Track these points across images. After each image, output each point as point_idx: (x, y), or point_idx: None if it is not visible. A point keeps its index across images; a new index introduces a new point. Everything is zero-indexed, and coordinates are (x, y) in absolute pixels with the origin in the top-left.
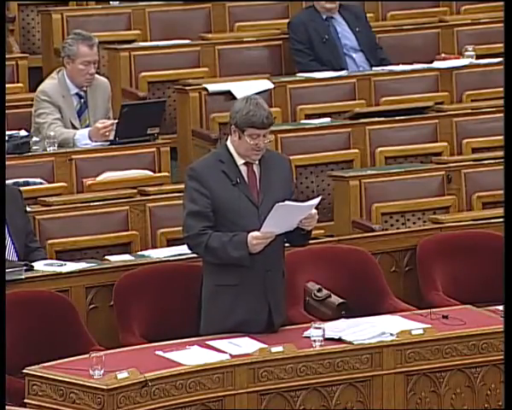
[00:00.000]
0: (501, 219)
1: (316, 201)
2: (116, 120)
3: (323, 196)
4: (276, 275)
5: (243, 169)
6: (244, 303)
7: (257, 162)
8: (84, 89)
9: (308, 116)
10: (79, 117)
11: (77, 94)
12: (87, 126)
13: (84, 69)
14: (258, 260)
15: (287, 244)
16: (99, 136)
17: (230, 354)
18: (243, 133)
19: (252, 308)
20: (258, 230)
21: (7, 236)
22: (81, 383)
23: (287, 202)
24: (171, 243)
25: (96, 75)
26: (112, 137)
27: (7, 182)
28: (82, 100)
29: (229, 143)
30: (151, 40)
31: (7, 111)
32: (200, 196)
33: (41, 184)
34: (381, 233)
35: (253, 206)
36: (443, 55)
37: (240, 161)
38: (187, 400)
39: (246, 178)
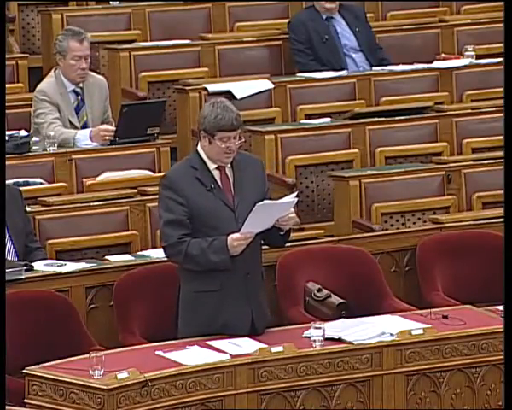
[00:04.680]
0: (501, 219)
1: (293, 196)
2: (114, 128)
3: (323, 196)
4: (255, 278)
5: (216, 174)
6: (226, 308)
7: (229, 166)
8: (81, 85)
9: (308, 116)
10: (77, 114)
11: (73, 91)
12: (85, 124)
13: (75, 64)
14: (238, 265)
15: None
16: (98, 138)
17: (230, 354)
18: (213, 138)
19: (234, 313)
20: (237, 232)
21: (7, 236)
22: (81, 383)
23: (266, 201)
24: None
25: (94, 73)
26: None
27: (7, 182)
28: (79, 97)
29: (199, 148)
30: (151, 40)
31: (7, 111)
32: (175, 205)
33: (41, 184)
34: (381, 233)
35: (229, 210)
36: (443, 55)
37: (212, 166)
38: (187, 400)
39: (220, 183)
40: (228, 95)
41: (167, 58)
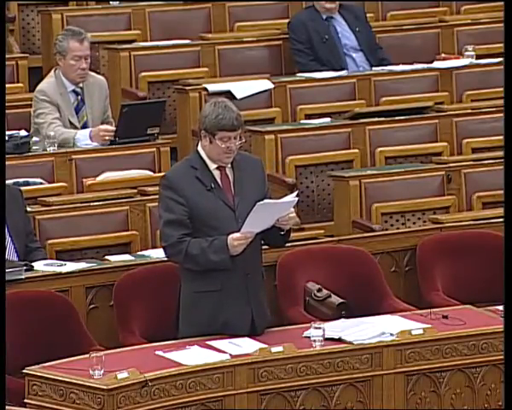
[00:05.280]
0: (501, 219)
1: (293, 196)
2: (114, 128)
3: (323, 196)
4: (256, 278)
5: (216, 174)
6: (226, 308)
7: (229, 166)
8: (81, 85)
9: (308, 116)
10: (77, 114)
11: (73, 91)
12: (85, 124)
13: (76, 64)
14: (238, 264)
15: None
16: (98, 138)
17: (230, 354)
18: (214, 137)
19: (234, 313)
20: (237, 232)
21: (7, 236)
22: (81, 383)
23: (266, 201)
24: None
25: (94, 73)
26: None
27: (7, 182)
28: (79, 97)
29: (199, 148)
30: (151, 40)
31: (7, 111)
32: (176, 205)
33: (41, 184)
34: (381, 233)
35: (229, 210)
36: (443, 55)
37: (212, 166)
38: (187, 400)
39: (220, 183)
40: (228, 95)
41: (167, 58)
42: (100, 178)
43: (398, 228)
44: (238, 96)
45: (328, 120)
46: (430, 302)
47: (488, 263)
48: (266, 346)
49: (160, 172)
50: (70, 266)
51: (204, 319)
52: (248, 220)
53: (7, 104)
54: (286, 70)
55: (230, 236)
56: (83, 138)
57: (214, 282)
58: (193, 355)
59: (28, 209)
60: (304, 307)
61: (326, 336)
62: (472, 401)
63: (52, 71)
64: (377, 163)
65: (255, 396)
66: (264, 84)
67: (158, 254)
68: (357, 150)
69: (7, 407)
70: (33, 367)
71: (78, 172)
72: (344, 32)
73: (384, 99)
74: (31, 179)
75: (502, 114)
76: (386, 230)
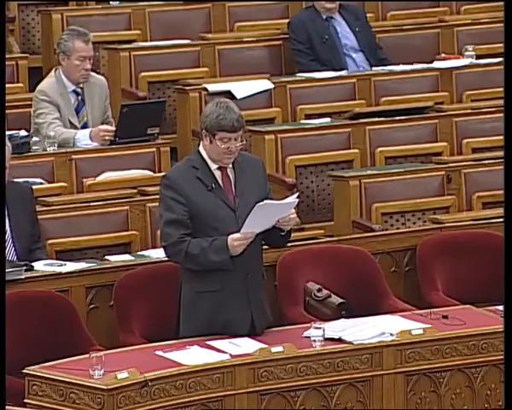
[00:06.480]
0: (501, 219)
1: (294, 197)
2: (114, 128)
3: (323, 196)
4: (256, 278)
5: (217, 174)
6: (226, 309)
7: (230, 166)
8: (81, 86)
9: (308, 116)
10: (77, 114)
11: (74, 91)
12: (85, 124)
13: (80, 65)
14: (239, 265)
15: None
16: (98, 138)
17: (230, 354)
18: (214, 137)
19: (235, 313)
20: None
21: (8, 235)
22: (81, 383)
23: (266, 201)
24: None
25: (94, 73)
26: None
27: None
28: (79, 97)
29: (201, 148)
30: (151, 40)
31: (7, 111)
32: (176, 204)
33: (41, 184)
34: (381, 233)
35: (230, 210)
36: (443, 55)
37: (213, 166)
38: (187, 400)
39: (221, 183)
40: (228, 95)
41: (167, 58)
42: (100, 178)
43: (398, 228)
44: (238, 96)
45: (328, 120)
46: (430, 302)
47: (488, 263)
48: (266, 346)
49: (160, 172)
50: (70, 266)
51: (204, 319)
52: (248, 221)
53: (7, 104)
54: (286, 70)
55: (231, 236)
56: (83, 138)
57: (214, 282)
58: (193, 355)
59: None
60: (304, 307)
61: (326, 336)
62: (472, 401)
63: (52, 71)
64: (377, 163)
65: (255, 396)
66: (264, 84)
67: (158, 254)
68: (357, 150)
69: (7, 407)
70: (33, 367)
71: (78, 172)
72: (344, 32)
73: (384, 99)
74: (31, 179)
75: (502, 114)
76: (386, 230)
